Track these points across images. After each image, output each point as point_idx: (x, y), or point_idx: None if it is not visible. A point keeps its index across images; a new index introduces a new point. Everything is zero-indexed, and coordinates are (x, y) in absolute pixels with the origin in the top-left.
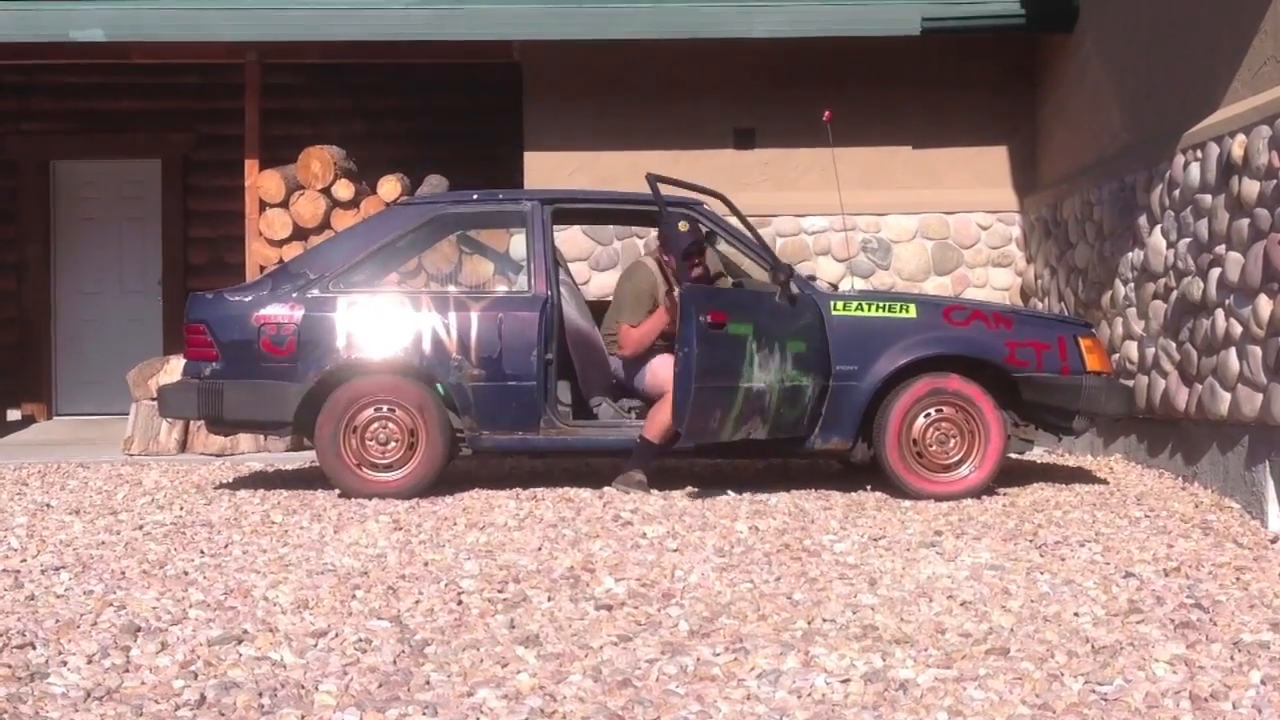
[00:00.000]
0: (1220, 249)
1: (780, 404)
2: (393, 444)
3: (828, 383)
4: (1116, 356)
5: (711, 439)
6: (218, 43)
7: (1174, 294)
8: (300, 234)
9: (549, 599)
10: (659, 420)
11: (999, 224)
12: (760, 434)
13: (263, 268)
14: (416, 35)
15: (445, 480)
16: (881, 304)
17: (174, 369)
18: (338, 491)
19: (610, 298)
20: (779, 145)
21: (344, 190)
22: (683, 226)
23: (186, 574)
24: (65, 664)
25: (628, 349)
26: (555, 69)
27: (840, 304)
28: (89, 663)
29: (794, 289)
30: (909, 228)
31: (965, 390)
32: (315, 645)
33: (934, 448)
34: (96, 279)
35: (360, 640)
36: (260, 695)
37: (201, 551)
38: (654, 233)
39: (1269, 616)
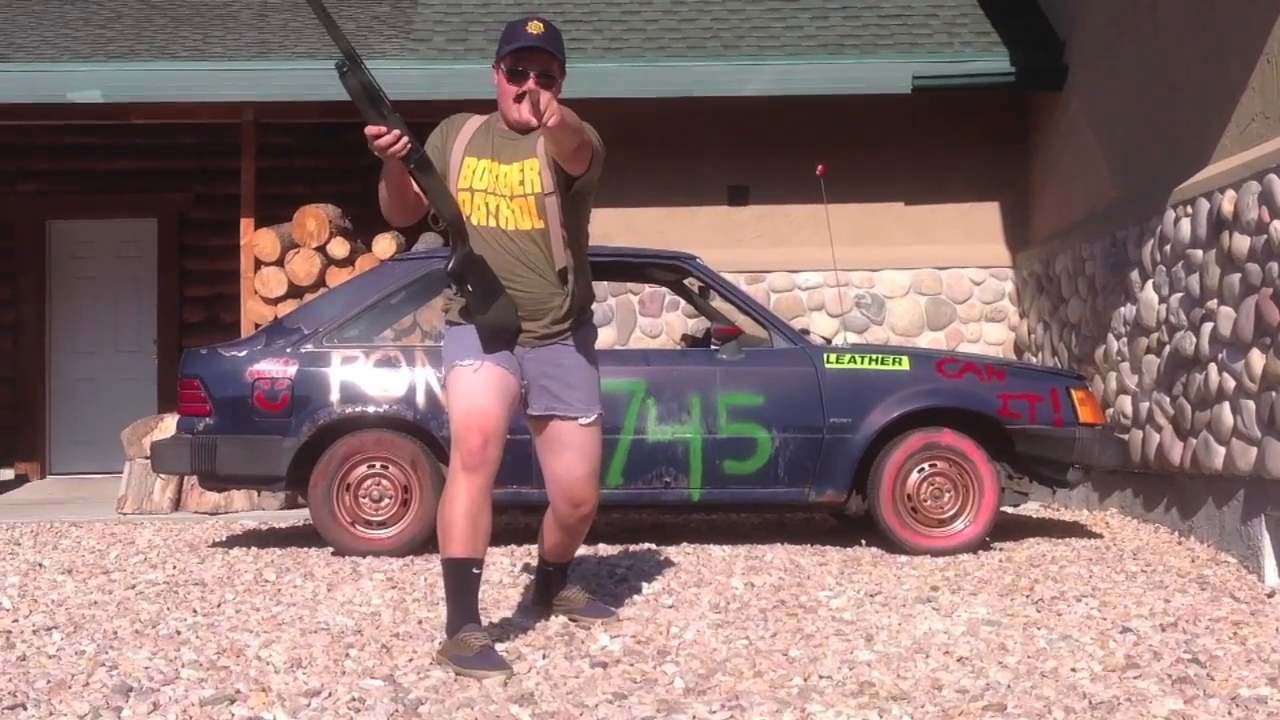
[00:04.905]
0: (1212, 303)
1: (716, 455)
2: (386, 500)
3: (821, 436)
4: (1111, 411)
5: None
6: (215, 103)
7: (1167, 348)
8: (295, 292)
9: (544, 656)
10: None
11: (992, 279)
12: (686, 485)
13: (258, 326)
14: (413, 95)
15: None
16: (875, 357)
17: (168, 428)
18: (331, 549)
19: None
20: (772, 202)
21: (339, 248)
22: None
23: (179, 633)
24: None
25: None
26: None
27: (834, 356)
28: None
29: (781, 343)
30: (902, 283)
31: (958, 445)
32: (309, 705)
33: (928, 502)
34: (91, 338)
35: (354, 699)
36: None
37: (194, 610)
38: (649, 289)
39: (1266, 671)
